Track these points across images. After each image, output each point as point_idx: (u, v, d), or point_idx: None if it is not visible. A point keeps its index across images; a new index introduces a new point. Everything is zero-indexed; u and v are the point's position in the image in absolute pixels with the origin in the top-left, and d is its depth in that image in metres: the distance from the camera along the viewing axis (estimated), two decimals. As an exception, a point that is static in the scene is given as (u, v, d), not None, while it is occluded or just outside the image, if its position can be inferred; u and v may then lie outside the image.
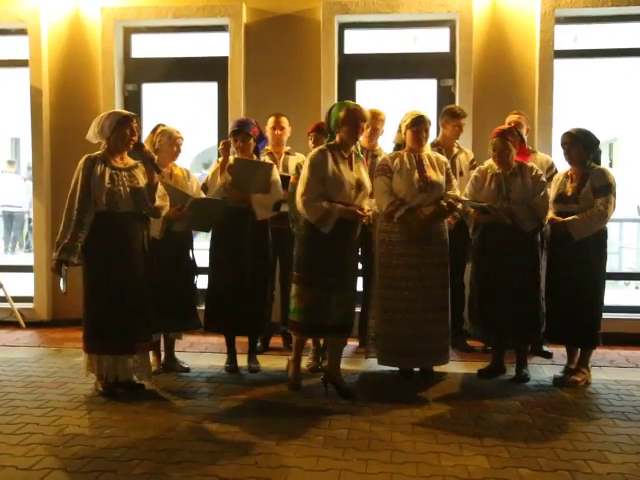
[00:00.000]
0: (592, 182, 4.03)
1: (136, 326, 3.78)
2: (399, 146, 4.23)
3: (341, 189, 3.76)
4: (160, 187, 3.87)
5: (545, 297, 4.18)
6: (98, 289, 3.76)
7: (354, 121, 3.76)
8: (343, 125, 3.78)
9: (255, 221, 4.23)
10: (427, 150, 4.21)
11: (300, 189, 3.79)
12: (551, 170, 4.65)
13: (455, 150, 4.84)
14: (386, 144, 4.76)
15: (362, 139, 4.80)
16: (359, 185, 3.83)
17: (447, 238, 4.19)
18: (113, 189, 3.70)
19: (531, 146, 4.91)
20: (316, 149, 3.89)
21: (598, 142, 4.16)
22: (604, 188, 4.02)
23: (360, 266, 4.98)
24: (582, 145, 4.06)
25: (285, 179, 4.49)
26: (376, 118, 4.73)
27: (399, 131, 4.23)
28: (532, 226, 4.08)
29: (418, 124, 4.09)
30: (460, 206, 4.18)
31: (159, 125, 4.28)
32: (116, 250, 3.73)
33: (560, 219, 4.06)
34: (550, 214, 4.14)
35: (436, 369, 4.29)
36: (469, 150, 5.00)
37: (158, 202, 3.84)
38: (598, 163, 4.17)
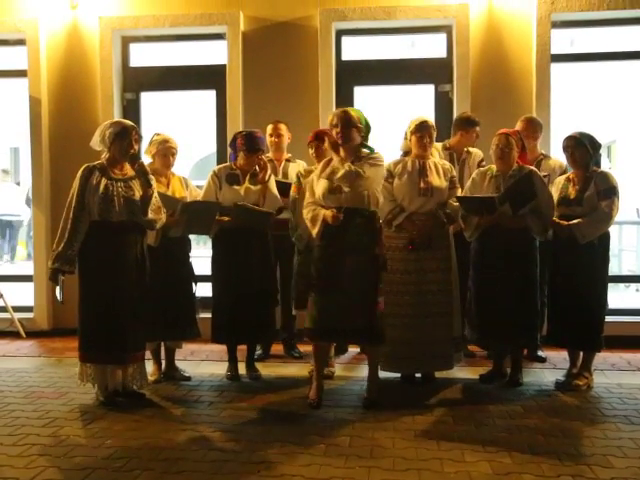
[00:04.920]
0: (596, 185, 4.03)
1: (128, 336, 3.77)
2: (406, 153, 4.25)
3: (319, 195, 3.84)
4: (154, 200, 3.87)
5: (548, 300, 4.18)
6: (91, 298, 3.76)
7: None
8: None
9: (260, 229, 4.25)
10: (434, 157, 4.23)
11: None
12: (565, 175, 4.65)
13: (464, 154, 4.84)
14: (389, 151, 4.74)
15: None
16: (336, 189, 3.78)
17: (451, 243, 4.20)
18: (106, 198, 3.70)
19: (544, 150, 4.97)
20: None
21: (600, 145, 4.17)
22: (609, 191, 4.03)
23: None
24: (585, 148, 4.07)
25: (285, 186, 4.50)
26: None
27: (405, 138, 4.25)
28: (544, 236, 4.10)
29: (422, 130, 4.11)
30: (460, 213, 4.17)
31: (155, 134, 4.29)
32: (109, 260, 3.73)
33: (565, 222, 4.05)
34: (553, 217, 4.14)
35: (438, 375, 4.29)
36: (477, 150, 4.93)
37: (151, 215, 3.84)
38: (598, 166, 4.18)
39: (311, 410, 3.73)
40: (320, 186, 3.85)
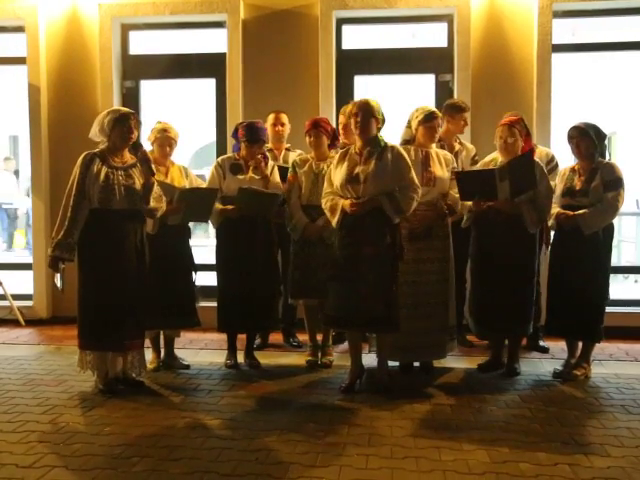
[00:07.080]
0: (602, 176, 4.02)
1: (127, 323, 3.78)
2: (407, 141, 4.22)
3: (337, 185, 3.86)
4: (156, 189, 3.87)
5: (549, 290, 4.18)
6: (90, 286, 3.77)
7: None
8: None
9: (264, 219, 4.26)
10: (433, 147, 4.21)
11: None
12: (551, 163, 4.64)
13: (457, 146, 4.78)
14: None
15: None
16: (354, 179, 3.78)
17: (449, 233, 4.20)
18: (107, 187, 3.70)
19: (544, 139, 4.95)
20: None
21: (605, 136, 4.15)
22: (615, 182, 4.02)
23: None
24: (591, 139, 4.04)
25: (286, 171, 4.49)
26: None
27: (408, 127, 4.22)
28: (537, 228, 4.08)
29: (431, 120, 4.10)
30: (460, 207, 4.15)
31: (157, 122, 4.29)
32: (108, 247, 3.74)
33: (570, 213, 4.03)
34: (557, 208, 4.12)
35: (436, 364, 4.30)
36: (471, 145, 4.94)
37: (152, 203, 3.85)
38: (603, 157, 4.16)
39: (309, 398, 3.75)
40: (338, 176, 3.86)
